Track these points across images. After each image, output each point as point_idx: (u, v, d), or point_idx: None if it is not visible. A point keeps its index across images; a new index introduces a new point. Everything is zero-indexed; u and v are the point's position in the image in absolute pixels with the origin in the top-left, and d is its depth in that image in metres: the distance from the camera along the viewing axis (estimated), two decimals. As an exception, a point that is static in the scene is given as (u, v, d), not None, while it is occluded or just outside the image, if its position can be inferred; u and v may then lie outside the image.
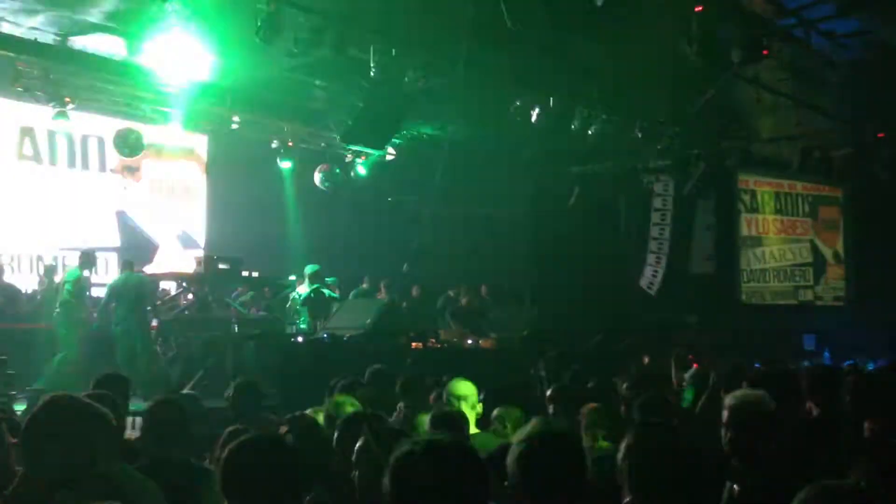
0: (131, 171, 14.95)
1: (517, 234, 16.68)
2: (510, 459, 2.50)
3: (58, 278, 12.16)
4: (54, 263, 12.96)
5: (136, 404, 5.49)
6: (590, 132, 13.31)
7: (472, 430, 4.79)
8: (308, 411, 4.80)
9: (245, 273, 11.97)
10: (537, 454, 2.46)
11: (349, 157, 15.74)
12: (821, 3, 10.67)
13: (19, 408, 8.03)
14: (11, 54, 11.77)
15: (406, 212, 15.62)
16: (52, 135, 13.81)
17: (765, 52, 10.26)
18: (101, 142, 14.37)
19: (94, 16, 10.79)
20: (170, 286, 12.96)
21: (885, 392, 4.68)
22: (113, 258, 13.93)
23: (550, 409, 5.36)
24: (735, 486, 3.30)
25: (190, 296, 12.29)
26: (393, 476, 1.99)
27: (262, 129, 15.04)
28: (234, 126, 14.65)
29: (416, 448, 2.01)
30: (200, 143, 15.85)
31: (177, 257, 14.96)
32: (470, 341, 12.12)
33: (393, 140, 14.23)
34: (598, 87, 12.79)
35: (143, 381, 9.96)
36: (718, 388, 5.43)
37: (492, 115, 13.20)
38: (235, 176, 15.17)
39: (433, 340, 11.70)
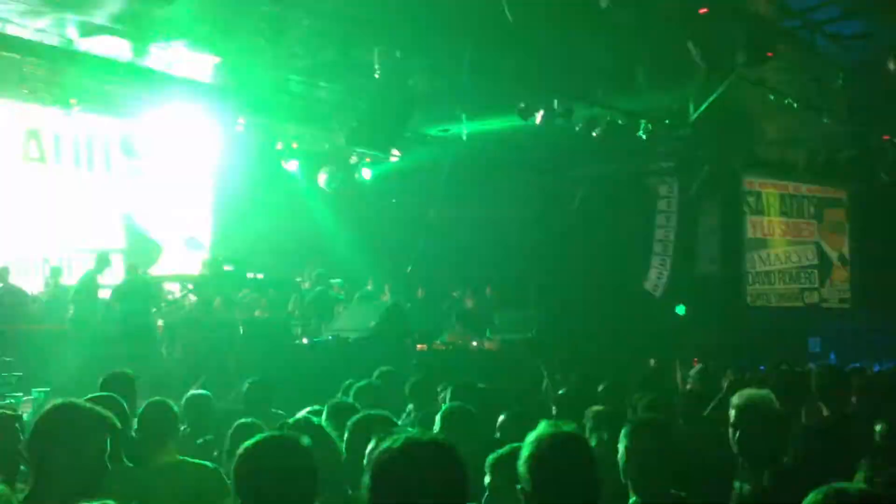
0: (137, 172, 14.97)
1: (522, 236, 16.68)
2: (520, 461, 2.49)
3: (64, 280, 12.22)
4: (60, 265, 12.98)
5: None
6: (594, 134, 13.30)
7: None
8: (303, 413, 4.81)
9: (250, 275, 11.98)
10: (547, 456, 2.46)
11: (354, 159, 15.75)
12: (826, 5, 10.66)
13: (25, 409, 8.04)
14: (17, 56, 11.80)
15: (411, 214, 15.62)
16: (57, 137, 13.84)
17: (770, 54, 10.24)
18: (106, 143, 14.39)
19: (99, 18, 10.81)
20: (175, 288, 12.97)
21: (892, 394, 4.68)
22: (118, 260, 13.93)
23: (554, 410, 5.36)
24: (744, 485, 3.29)
25: (194, 297, 12.32)
26: (371, 474, 1.97)
27: (267, 131, 15.05)
28: (239, 128, 14.67)
29: (394, 446, 1.99)
30: (206, 145, 15.85)
31: (182, 259, 14.97)
32: (475, 343, 12.12)
33: (397, 142, 14.23)
34: (602, 88, 12.78)
35: (147, 382, 9.98)
36: (728, 392, 5.43)
37: (496, 117, 13.20)
38: (241, 178, 15.18)
39: (438, 343, 11.72)
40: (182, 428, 5.37)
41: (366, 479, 1.98)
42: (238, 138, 14.95)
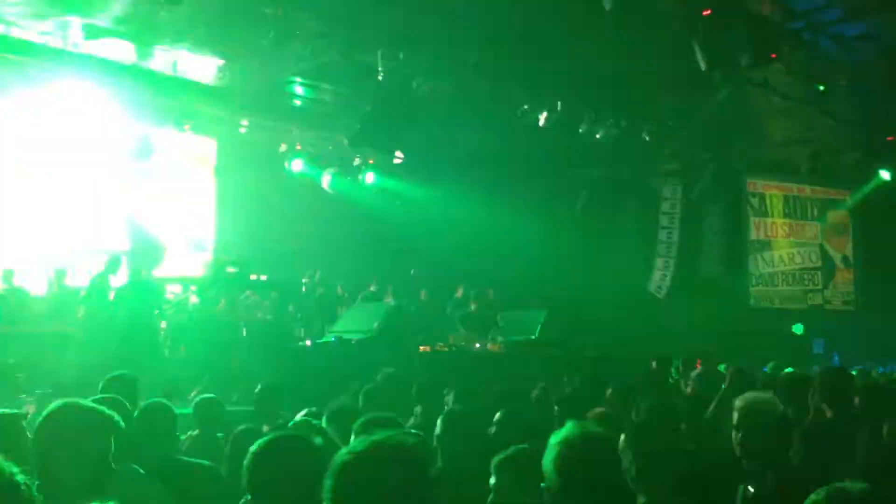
0: (141, 174, 14.99)
1: (525, 238, 16.67)
2: (547, 460, 2.50)
3: (68, 281, 12.24)
4: (64, 267, 12.98)
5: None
6: (598, 136, 13.29)
7: None
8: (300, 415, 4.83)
9: (253, 276, 11.98)
10: (576, 456, 2.47)
11: (357, 161, 15.77)
12: (829, 6, 10.65)
13: (29, 410, 8.05)
14: (21, 59, 11.83)
15: (414, 215, 15.62)
16: (62, 138, 13.85)
17: (773, 55, 10.24)
18: (111, 146, 14.40)
19: (103, 20, 10.84)
20: (178, 289, 12.98)
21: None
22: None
23: (556, 410, 5.35)
24: (749, 487, 3.30)
25: (197, 299, 12.33)
26: (331, 475, 1.95)
27: (271, 133, 15.07)
28: (243, 130, 14.70)
29: (355, 448, 1.98)
30: (210, 147, 15.89)
31: (186, 260, 14.98)
32: (478, 345, 12.10)
33: (400, 144, 14.25)
34: (606, 91, 12.78)
35: (150, 383, 10.00)
36: (729, 393, 5.42)
37: (500, 119, 13.20)
38: (244, 179, 15.20)
39: (441, 344, 11.70)
40: (193, 431, 5.43)
41: (326, 481, 1.96)
42: (242, 140, 14.98)
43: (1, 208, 13.31)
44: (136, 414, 4.39)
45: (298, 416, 4.75)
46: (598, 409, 4.77)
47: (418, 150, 14.57)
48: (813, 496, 1.98)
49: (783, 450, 3.47)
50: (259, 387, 5.96)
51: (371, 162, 15.79)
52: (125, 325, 10.63)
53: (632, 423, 3.74)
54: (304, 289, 13.12)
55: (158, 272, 12.94)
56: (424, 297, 14.19)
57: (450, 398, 5.94)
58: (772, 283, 17.41)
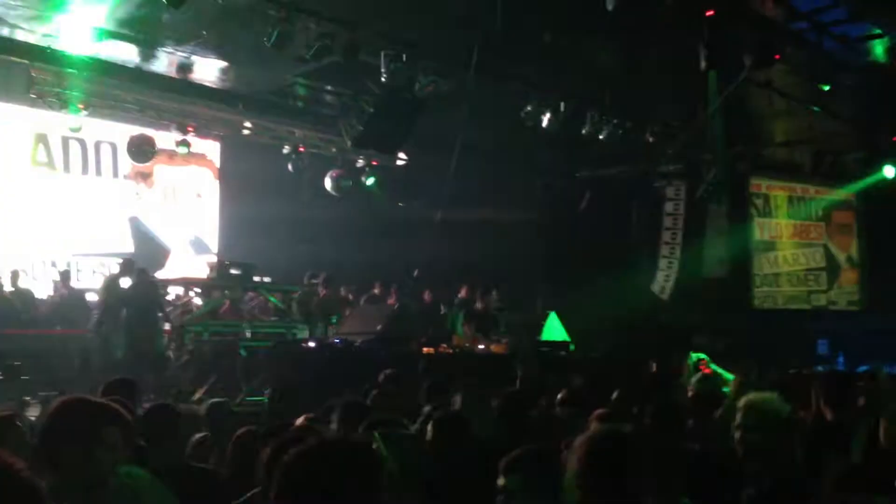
0: (144, 176, 15.02)
1: (528, 239, 16.67)
2: (573, 459, 2.50)
3: (73, 284, 12.29)
4: (69, 269, 13.02)
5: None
6: (601, 137, 13.28)
7: None
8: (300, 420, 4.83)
9: (257, 278, 11.98)
10: (600, 453, 2.47)
11: (361, 162, 15.78)
12: (833, 7, 10.63)
13: (33, 413, 8.06)
14: (25, 61, 11.87)
15: (417, 217, 15.62)
16: (65, 141, 13.91)
17: (777, 56, 10.22)
18: (114, 148, 14.45)
19: (107, 23, 10.86)
20: (182, 291, 12.99)
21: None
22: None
23: (558, 411, 5.34)
24: (751, 488, 3.29)
25: (202, 300, 12.34)
26: (279, 474, 1.95)
27: (274, 135, 15.09)
28: (246, 132, 14.72)
29: (303, 447, 1.97)
30: (213, 149, 15.92)
31: (190, 263, 15.01)
32: (482, 346, 12.09)
33: (403, 145, 14.25)
34: (609, 91, 12.78)
35: (154, 386, 10.03)
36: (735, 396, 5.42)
37: (503, 120, 13.20)
38: (247, 181, 15.22)
39: (444, 346, 11.69)
40: (202, 434, 5.44)
41: (275, 481, 1.95)
42: (245, 142, 15.00)
43: (8, 209, 13.37)
44: (140, 417, 4.40)
45: (298, 422, 4.75)
46: (601, 411, 4.77)
47: (421, 150, 14.57)
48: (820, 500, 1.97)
49: (786, 451, 3.45)
50: (270, 391, 5.98)
51: (374, 163, 15.80)
52: (130, 327, 10.67)
53: (638, 428, 3.74)
54: (307, 290, 13.11)
55: (162, 274, 12.99)
56: (428, 299, 14.18)
57: (457, 399, 5.93)
58: (776, 283, 17.37)
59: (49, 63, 11.95)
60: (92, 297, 12.15)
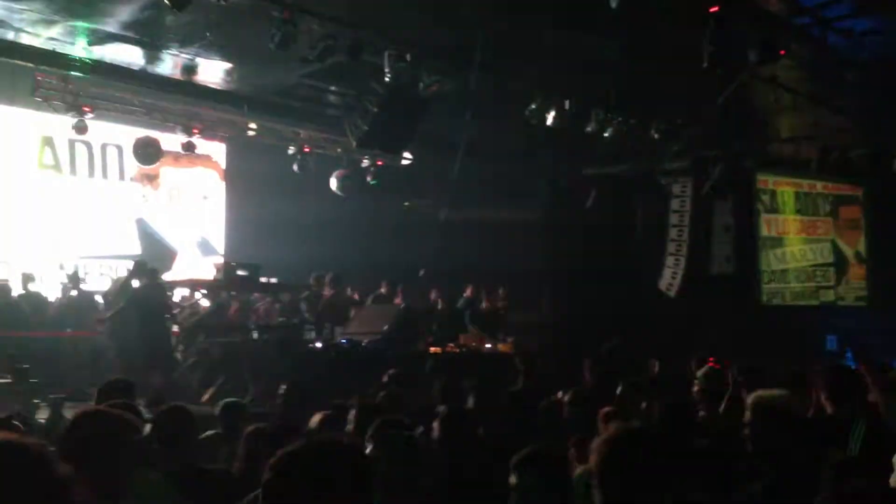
0: (150, 179, 15.07)
1: (534, 237, 16.65)
2: (593, 456, 2.51)
3: (84, 286, 12.32)
4: (78, 271, 13.05)
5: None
6: (606, 134, 13.26)
7: None
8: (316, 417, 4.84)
9: (263, 279, 12.00)
10: (620, 451, 2.48)
11: (366, 162, 15.79)
12: (837, 1, 10.58)
13: (42, 416, 8.08)
14: (30, 65, 11.91)
15: (422, 216, 15.63)
16: (72, 144, 13.95)
17: (781, 51, 10.18)
18: (119, 150, 14.49)
19: (111, 25, 10.89)
20: (189, 293, 13.02)
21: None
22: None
23: (566, 411, 5.34)
24: (759, 484, 3.29)
25: (209, 302, 12.36)
26: (267, 475, 1.94)
27: (279, 136, 15.11)
28: (251, 133, 14.74)
29: (291, 448, 1.96)
30: (218, 151, 15.95)
31: (196, 264, 15.04)
32: (488, 345, 12.10)
33: (408, 144, 14.25)
34: (614, 88, 12.75)
35: (162, 387, 10.05)
36: (739, 391, 5.41)
37: (507, 118, 13.18)
38: (253, 182, 15.25)
39: (451, 345, 11.71)
40: (216, 431, 5.47)
41: (263, 478, 1.95)
42: (250, 143, 15.02)
43: (16, 213, 13.42)
44: (154, 419, 4.41)
45: (314, 420, 4.76)
46: (608, 409, 4.77)
47: (426, 149, 14.57)
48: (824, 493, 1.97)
49: (795, 447, 3.45)
50: (284, 387, 6.00)
51: (379, 163, 15.80)
52: (140, 328, 10.68)
53: (648, 427, 3.73)
54: (314, 291, 13.12)
55: (169, 276, 13.01)
56: (434, 298, 14.18)
57: (470, 399, 5.94)
58: (784, 279, 17.33)
59: (54, 66, 11.99)
60: (100, 299, 12.18)
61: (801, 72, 12.12)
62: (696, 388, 6.13)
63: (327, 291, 12.75)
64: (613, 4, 8.68)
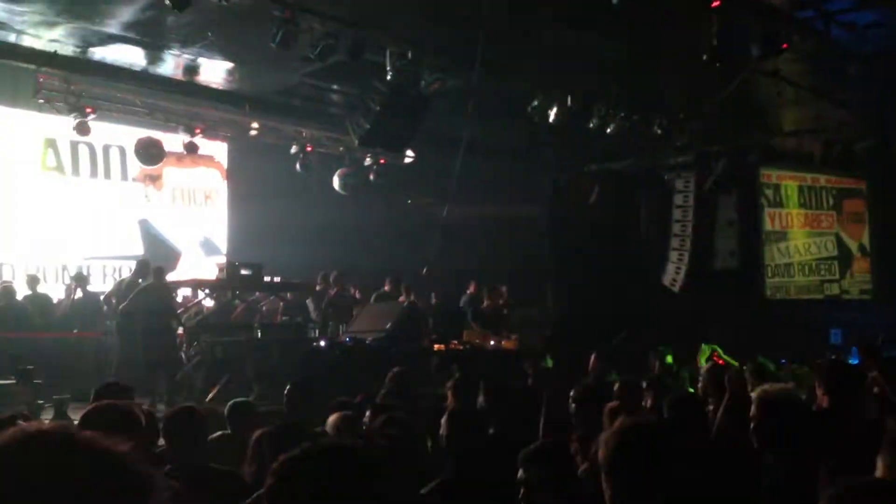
0: (153, 179, 15.07)
1: (537, 234, 16.65)
2: (606, 449, 2.51)
3: (90, 287, 12.33)
4: (83, 272, 13.07)
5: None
6: (608, 131, 13.24)
7: None
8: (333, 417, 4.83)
9: (267, 278, 12.01)
10: (630, 444, 2.49)
11: (368, 161, 15.78)
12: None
13: (46, 416, 8.10)
14: (32, 67, 11.91)
15: (425, 213, 15.62)
16: (74, 145, 13.96)
17: (784, 45, 10.16)
18: (122, 151, 14.50)
19: (112, 27, 10.89)
20: (192, 292, 13.03)
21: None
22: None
23: (573, 407, 5.33)
24: (766, 477, 3.29)
25: (212, 301, 12.38)
26: (269, 479, 1.92)
27: (281, 136, 15.12)
28: (253, 133, 14.74)
29: (293, 453, 1.95)
30: (220, 151, 15.96)
31: (199, 264, 15.06)
32: (492, 342, 12.10)
33: (410, 142, 14.24)
34: (616, 84, 12.74)
35: (167, 388, 10.07)
36: (743, 387, 5.41)
37: (510, 115, 13.18)
38: (255, 182, 15.26)
39: (455, 342, 11.71)
40: (224, 432, 5.48)
41: (267, 480, 1.94)
42: (252, 142, 15.02)
43: (20, 214, 13.44)
44: (162, 419, 4.42)
45: (331, 419, 4.74)
46: (613, 404, 4.77)
47: (429, 147, 14.56)
48: (829, 490, 1.96)
49: (801, 441, 3.44)
50: (288, 387, 5.99)
51: (382, 161, 15.79)
52: (146, 329, 10.68)
53: (659, 423, 3.74)
54: (317, 289, 13.14)
55: (172, 276, 13.02)
56: (437, 296, 14.19)
57: (480, 397, 5.94)
58: (788, 273, 17.30)
59: (55, 68, 11.99)
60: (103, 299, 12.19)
61: (803, 65, 12.09)
62: (701, 384, 6.12)
63: (331, 290, 12.78)
64: (615, 0, 8.68)
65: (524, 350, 11.05)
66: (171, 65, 12.40)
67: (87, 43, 11.44)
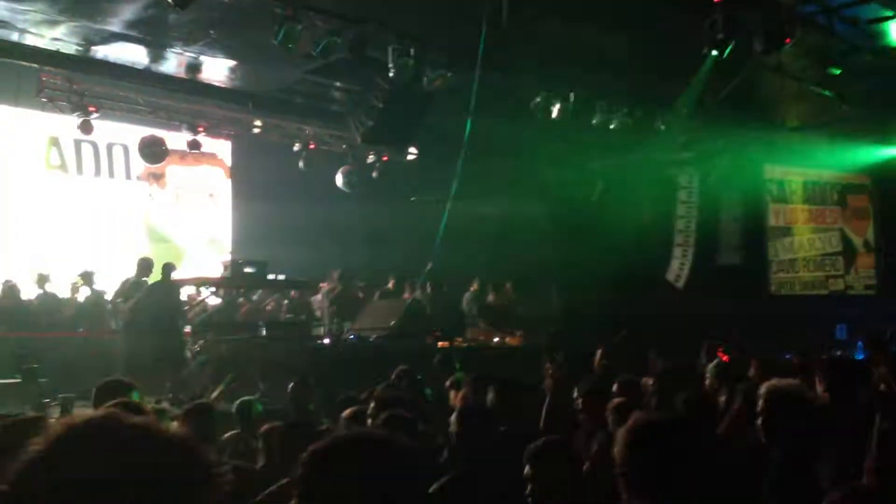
0: (156, 177, 15.09)
1: (541, 230, 16.61)
2: (619, 446, 2.50)
3: (96, 286, 12.35)
4: (91, 271, 13.07)
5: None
6: (612, 126, 13.22)
7: None
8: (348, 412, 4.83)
9: (271, 276, 12.01)
10: (637, 444, 2.47)
11: (371, 158, 15.77)
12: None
13: (52, 416, 8.10)
14: (35, 66, 11.92)
15: (429, 210, 15.60)
16: (77, 144, 13.98)
17: (787, 39, 10.12)
18: (125, 150, 14.52)
19: (114, 25, 10.88)
20: (198, 291, 13.03)
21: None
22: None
23: (579, 403, 5.31)
24: (773, 473, 3.28)
25: (217, 299, 12.38)
26: (300, 470, 1.92)
27: (284, 133, 15.11)
28: (256, 130, 14.74)
29: (318, 445, 1.94)
30: (224, 149, 15.96)
31: (203, 262, 15.06)
32: (497, 339, 12.09)
33: (413, 140, 14.22)
34: (619, 80, 12.70)
35: (172, 386, 10.07)
36: (753, 383, 5.37)
37: (513, 112, 13.14)
38: (259, 180, 15.26)
39: (459, 339, 11.69)
40: (235, 431, 5.51)
41: (298, 471, 1.93)
42: (255, 140, 15.02)
43: (25, 213, 13.46)
44: (178, 416, 4.45)
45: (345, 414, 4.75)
46: (617, 400, 4.76)
47: (431, 144, 14.54)
48: (831, 495, 1.95)
49: (808, 437, 3.42)
50: (291, 385, 6.03)
51: (385, 159, 15.78)
52: (148, 327, 10.68)
53: (668, 420, 3.71)
54: (322, 287, 13.14)
55: (176, 275, 13.01)
56: (442, 292, 14.15)
57: (490, 394, 5.93)
58: (792, 269, 17.27)
59: (58, 67, 11.99)
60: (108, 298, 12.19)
61: (807, 60, 12.05)
62: (707, 381, 6.10)
63: (336, 287, 12.77)
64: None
65: (543, 347, 11.03)
66: (173, 63, 12.38)
67: (89, 41, 11.43)
